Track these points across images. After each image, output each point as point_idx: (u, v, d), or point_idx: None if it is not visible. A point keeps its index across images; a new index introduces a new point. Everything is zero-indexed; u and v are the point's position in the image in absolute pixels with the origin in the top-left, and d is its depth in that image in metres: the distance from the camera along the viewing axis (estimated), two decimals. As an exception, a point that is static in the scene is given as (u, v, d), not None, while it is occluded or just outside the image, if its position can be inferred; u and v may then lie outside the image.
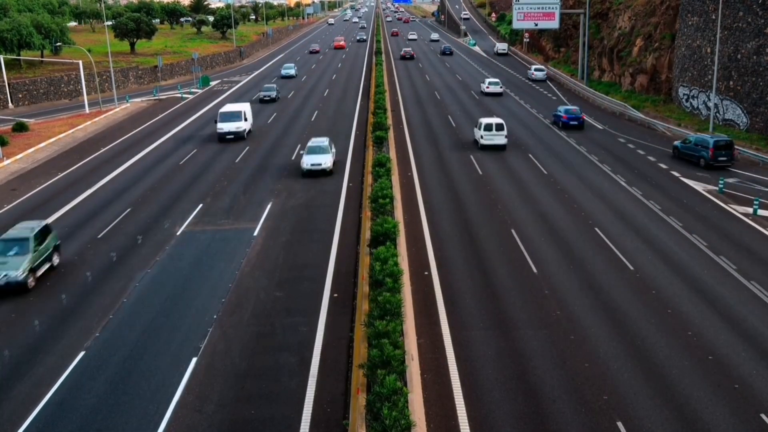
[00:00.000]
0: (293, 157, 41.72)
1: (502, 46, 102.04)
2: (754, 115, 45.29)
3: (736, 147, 39.98)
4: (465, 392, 17.09)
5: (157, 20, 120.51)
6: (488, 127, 42.55)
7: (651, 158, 41.07)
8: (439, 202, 32.68)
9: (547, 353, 18.89)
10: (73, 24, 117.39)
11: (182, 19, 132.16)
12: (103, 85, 69.82)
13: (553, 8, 71.93)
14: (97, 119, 55.47)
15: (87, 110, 59.90)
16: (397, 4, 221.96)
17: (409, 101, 62.68)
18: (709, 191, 34.05)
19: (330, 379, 17.70)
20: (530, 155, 41.76)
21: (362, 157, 41.14)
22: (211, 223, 30.13)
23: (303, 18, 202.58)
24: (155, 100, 67.24)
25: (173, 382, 17.73)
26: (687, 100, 53.23)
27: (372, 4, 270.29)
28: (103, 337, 20.25)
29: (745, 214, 30.57)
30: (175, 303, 22.31)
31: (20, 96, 64.64)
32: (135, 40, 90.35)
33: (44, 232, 24.68)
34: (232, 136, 46.49)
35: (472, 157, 41.26)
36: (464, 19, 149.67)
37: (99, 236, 28.82)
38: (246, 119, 48.02)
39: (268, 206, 32.13)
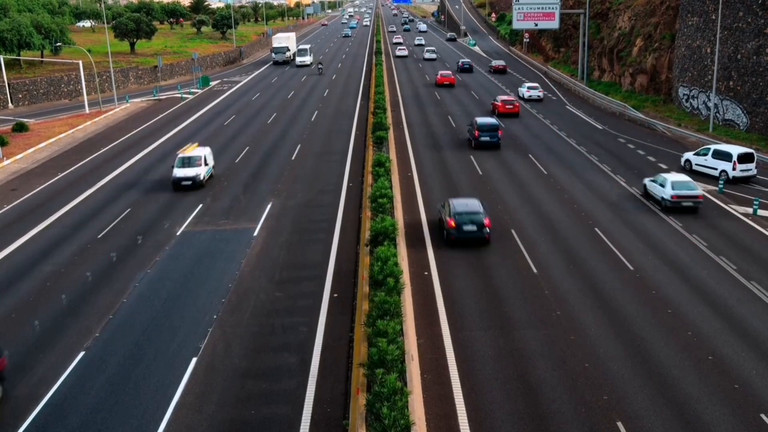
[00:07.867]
0: (293, 158, 41.73)
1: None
2: (754, 115, 45.29)
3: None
4: (465, 392, 17.10)
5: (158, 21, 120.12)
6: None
7: (651, 158, 41.07)
8: (440, 202, 32.63)
9: (547, 353, 18.89)
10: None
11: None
12: (103, 86, 69.79)
13: (553, 8, 71.93)
14: (97, 119, 55.45)
15: (87, 110, 59.89)
16: (396, 4, 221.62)
17: (409, 101, 62.63)
18: (709, 191, 34.02)
19: (330, 379, 17.70)
20: (530, 155, 41.77)
21: (362, 157, 41.14)
22: (211, 223, 30.12)
23: (303, 18, 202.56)
24: (155, 100, 67.19)
25: (173, 382, 17.73)
26: (687, 101, 53.23)
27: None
28: (103, 337, 20.25)
29: (745, 214, 30.57)
30: (174, 303, 22.31)
31: (20, 96, 64.62)
32: (135, 40, 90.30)
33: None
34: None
35: (471, 157, 41.25)
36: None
37: (99, 236, 28.82)
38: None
39: (268, 206, 32.13)
